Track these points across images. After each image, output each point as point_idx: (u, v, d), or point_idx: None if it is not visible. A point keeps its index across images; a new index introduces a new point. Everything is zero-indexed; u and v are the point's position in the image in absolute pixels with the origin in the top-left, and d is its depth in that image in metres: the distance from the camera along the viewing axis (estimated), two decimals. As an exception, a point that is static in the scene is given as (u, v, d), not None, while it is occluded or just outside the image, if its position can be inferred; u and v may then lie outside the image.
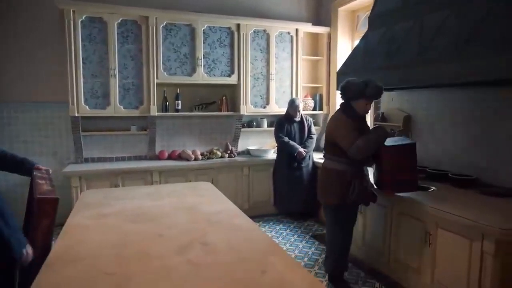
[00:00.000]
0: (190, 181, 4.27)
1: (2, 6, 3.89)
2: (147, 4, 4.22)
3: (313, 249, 3.59)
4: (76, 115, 3.97)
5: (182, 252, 1.67)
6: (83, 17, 3.88)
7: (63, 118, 4.13)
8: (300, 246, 3.67)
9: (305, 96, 5.11)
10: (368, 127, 2.89)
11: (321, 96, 5.12)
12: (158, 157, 4.56)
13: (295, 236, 3.96)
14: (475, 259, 2.27)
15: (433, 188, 3.01)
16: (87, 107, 4.00)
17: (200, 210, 2.34)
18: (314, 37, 5.11)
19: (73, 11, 3.81)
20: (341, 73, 3.54)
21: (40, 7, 3.97)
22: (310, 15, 5.17)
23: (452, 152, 3.25)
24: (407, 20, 2.98)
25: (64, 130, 4.19)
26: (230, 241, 1.81)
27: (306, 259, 3.36)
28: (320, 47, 5.11)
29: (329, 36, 4.97)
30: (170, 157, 4.59)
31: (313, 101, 5.11)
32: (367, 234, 3.26)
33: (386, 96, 4.00)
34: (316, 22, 5.07)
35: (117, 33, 4.01)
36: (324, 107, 5.10)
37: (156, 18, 4.11)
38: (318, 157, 4.60)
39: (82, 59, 3.92)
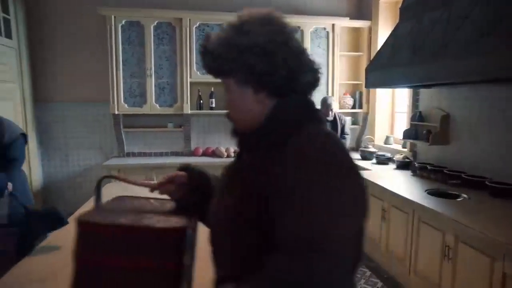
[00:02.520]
0: (221, 178, 4.36)
1: (51, 16, 4.33)
2: (181, 7, 4.38)
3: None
4: (116, 112, 4.28)
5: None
6: (123, 21, 4.16)
7: (107, 115, 4.47)
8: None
9: (344, 94, 4.89)
10: None
11: (361, 93, 4.87)
12: (193, 154, 4.73)
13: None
14: (496, 281, 2.00)
15: (465, 196, 2.71)
16: (126, 105, 4.30)
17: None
18: (355, 31, 4.86)
19: (114, 16, 4.11)
20: (368, 70, 3.33)
21: (84, 14, 4.34)
22: (350, 9, 4.93)
23: (493, 157, 2.88)
24: (437, 9, 2.70)
25: (108, 126, 4.55)
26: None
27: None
28: (361, 42, 4.85)
29: (370, 30, 4.69)
30: (204, 154, 4.73)
31: (352, 99, 4.87)
32: (390, 239, 3.04)
33: (425, 94, 3.68)
34: (357, 16, 4.82)
35: (153, 35, 4.24)
36: (364, 105, 4.83)
37: (189, 19, 4.25)
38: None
39: (122, 61, 4.22)
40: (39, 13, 4.28)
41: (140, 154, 4.70)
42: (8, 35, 3.92)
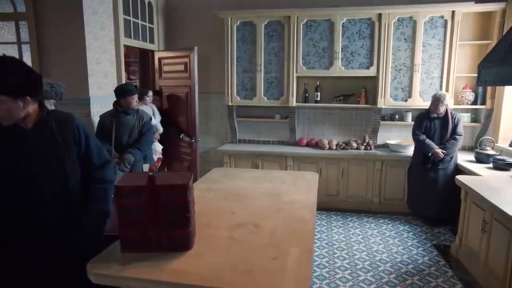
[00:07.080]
0: (320, 169, 4.55)
1: (182, 22, 5.08)
2: (290, 5, 4.61)
3: (426, 258, 3.30)
4: (230, 104, 4.85)
5: (233, 228, 2.08)
6: (238, 22, 4.64)
7: (223, 106, 5.09)
8: (414, 252, 3.43)
9: (463, 88, 4.43)
10: None
11: (485, 87, 4.32)
12: (298, 144, 5.00)
13: (415, 241, 3.68)
14: None
15: None
16: (238, 97, 4.82)
17: (281, 197, 2.65)
18: (483, 17, 4.31)
19: (230, 18, 4.62)
20: (481, 66, 3.01)
21: (206, 19, 4.97)
22: (478, -9, 4.35)
23: None
24: None
25: (224, 115, 5.18)
26: (277, 227, 2.09)
27: (410, 266, 3.16)
28: (491, 29, 4.27)
29: (504, 13, 4.09)
30: (308, 144, 4.96)
31: (473, 93, 4.38)
32: (490, 254, 2.79)
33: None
34: (487, -1, 4.24)
35: (264, 34, 4.61)
36: (488, 100, 4.29)
37: (297, 16, 4.46)
38: (464, 159, 4.01)
39: (236, 57, 4.73)
40: (175, 21, 5.11)
41: (250, 141, 5.22)
42: (151, 41, 4.84)
